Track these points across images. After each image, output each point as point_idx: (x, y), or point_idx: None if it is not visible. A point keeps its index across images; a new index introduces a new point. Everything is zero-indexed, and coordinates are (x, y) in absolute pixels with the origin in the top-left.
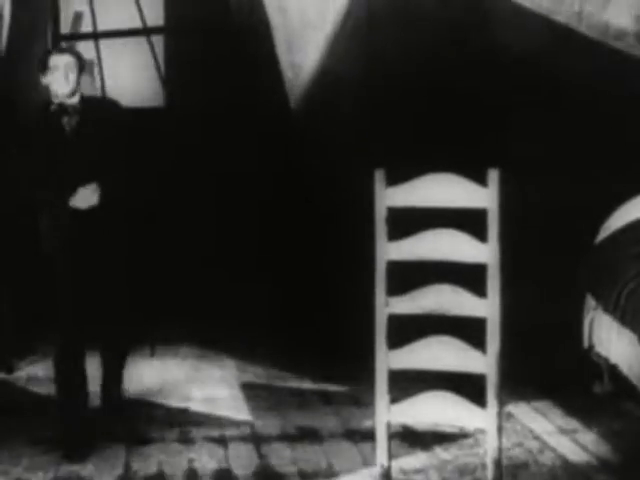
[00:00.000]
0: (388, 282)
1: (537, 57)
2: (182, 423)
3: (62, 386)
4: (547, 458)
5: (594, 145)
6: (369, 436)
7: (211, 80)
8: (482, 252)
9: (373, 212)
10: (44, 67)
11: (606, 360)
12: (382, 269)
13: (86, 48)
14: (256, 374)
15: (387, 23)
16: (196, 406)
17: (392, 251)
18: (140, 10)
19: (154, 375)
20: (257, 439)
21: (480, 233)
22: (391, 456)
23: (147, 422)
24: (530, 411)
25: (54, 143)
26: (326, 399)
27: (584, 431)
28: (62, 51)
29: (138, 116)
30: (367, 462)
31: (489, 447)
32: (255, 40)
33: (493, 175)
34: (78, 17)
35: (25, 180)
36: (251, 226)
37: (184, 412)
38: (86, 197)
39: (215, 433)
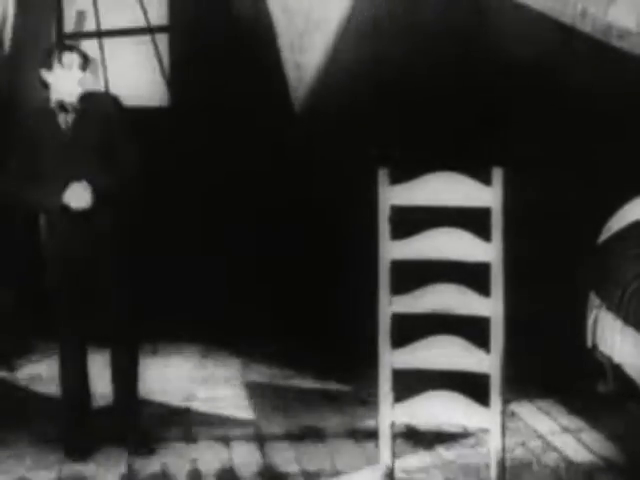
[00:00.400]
0: (392, 281)
1: (540, 57)
2: (185, 422)
3: (65, 385)
4: (550, 458)
5: (597, 145)
6: (372, 435)
7: (215, 79)
8: (486, 251)
9: (377, 211)
10: (51, 63)
11: (610, 359)
12: (386, 268)
13: (89, 47)
14: (260, 373)
15: (391, 24)
16: (199, 405)
17: (396, 250)
18: (144, 9)
19: (157, 374)
20: (260, 438)
21: (484, 232)
22: (394, 455)
23: (150, 421)
24: (534, 410)
25: (49, 141)
26: (330, 398)
27: (588, 431)
28: (72, 49)
29: (142, 115)
30: (370, 461)
31: (492, 447)
32: (259, 40)
33: (497, 174)
34: (82, 16)
35: (19, 180)
36: (254, 225)
37: (187, 411)
38: (78, 195)
39: (218, 432)
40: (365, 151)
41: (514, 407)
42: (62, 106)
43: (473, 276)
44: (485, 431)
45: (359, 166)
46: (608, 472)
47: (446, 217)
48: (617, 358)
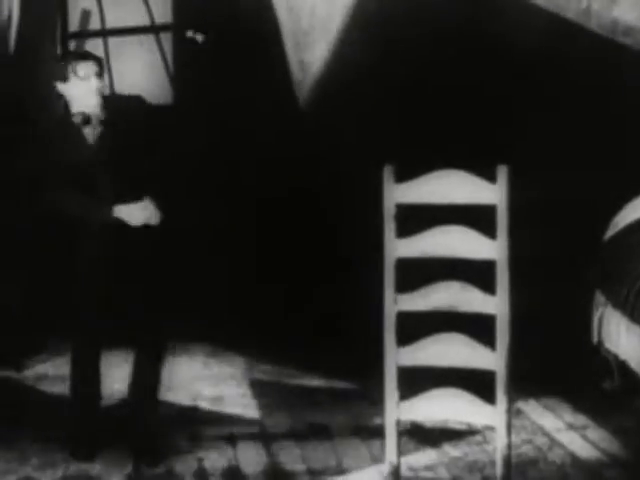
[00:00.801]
0: (397, 279)
1: (545, 53)
2: (191, 421)
3: (77, 384)
4: (557, 455)
5: (602, 141)
6: (378, 433)
7: (219, 78)
8: (491, 249)
9: (382, 209)
10: (67, 75)
11: (615, 356)
12: (391, 266)
13: (94, 46)
14: (265, 372)
15: (396, 21)
16: (205, 404)
17: (401, 248)
18: (148, 7)
19: (163, 372)
20: (266, 437)
21: (489, 230)
22: (400, 453)
23: (156, 420)
24: (539, 408)
25: (78, 156)
26: (335, 396)
27: (594, 428)
28: (87, 57)
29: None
30: (376, 459)
31: (498, 444)
32: (263, 38)
33: (502, 171)
34: (86, 15)
35: (60, 194)
36: (260, 223)
37: (193, 410)
38: (141, 213)
39: (224, 431)
40: (369, 149)
41: (520, 404)
42: (86, 119)
43: (479, 274)
44: (491, 428)
45: (364, 163)
46: (614, 469)
47: (451, 215)
48: (623, 355)
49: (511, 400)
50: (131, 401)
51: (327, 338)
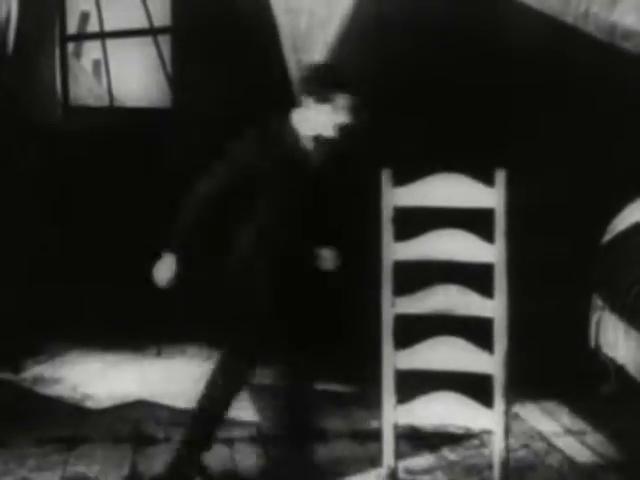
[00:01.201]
0: (395, 282)
1: (544, 57)
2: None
3: (214, 399)
4: (554, 459)
5: (601, 145)
6: (376, 437)
7: (218, 80)
8: (489, 252)
9: (380, 212)
10: (319, 97)
11: (613, 360)
12: (389, 269)
13: (92, 48)
14: (262, 374)
15: (394, 23)
16: None
17: (399, 251)
18: (147, 10)
19: (160, 375)
20: (263, 440)
21: (487, 233)
22: (398, 457)
23: (153, 423)
24: (537, 412)
25: (294, 184)
26: (333, 399)
27: (591, 432)
28: (347, 88)
29: (144, 116)
30: (374, 463)
31: (496, 448)
32: (262, 40)
33: (500, 175)
34: (85, 17)
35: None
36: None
37: (190, 412)
38: (330, 260)
39: (221, 433)
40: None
41: (517, 408)
42: (319, 141)
43: (476, 277)
44: (489, 432)
45: (362, 166)
46: (611, 473)
47: (449, 218)
48: (621, 359)
49: (509, 404)
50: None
51: (324, 340)
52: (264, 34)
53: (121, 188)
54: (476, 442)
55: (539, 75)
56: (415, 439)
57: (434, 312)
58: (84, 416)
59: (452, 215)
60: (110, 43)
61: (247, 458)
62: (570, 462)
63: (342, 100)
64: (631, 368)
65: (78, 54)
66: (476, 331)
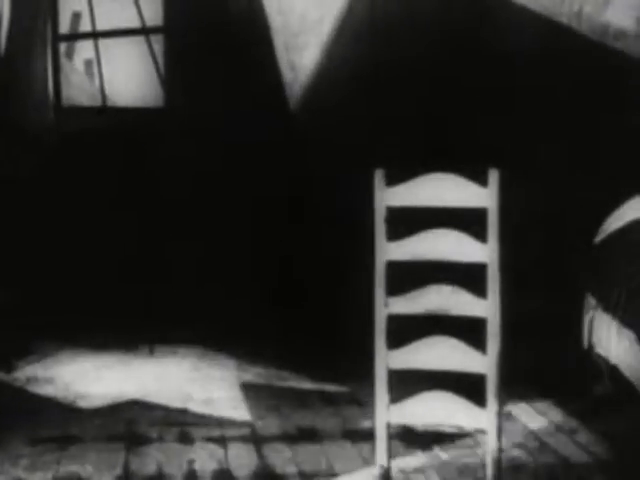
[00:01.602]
0: (388, 282)
1: (537, 57)
2: (181, 423)
3: None
4: (547, 458)
5: (593, 145)
6: (369, 436)
7: (210, 80)
8: (482, 252)
9: (373, 212)
10: None
11: (606, 360)
12: (382, 269)
13: (85, 48)
14: (256, 374)
15: (387, 23)
16: (195, 406)
17: (392, 251)
18: (139, 10)
19: (153, 375)
20: (257, 439)
21: (480, 233)
22: (391, 456)
23: (146, 422)
24: (530, 411)
25: None
26: (326, 399)
27: (584, 431)
28: None
29: (137, 116)
30: (367, 462)
31: (489, 447)
32: (254, 40)
33: (493, 175)
34: (77, 17)
35: None
36: (251, 225)
37: (183, 412)
38: None
39: (215, 433)
40: (360, 151)
41: (510, 408)
42: None
43: (470, 277)
44: (481, 432)
45: (355, 165)
46: (604, 473)
47: (442, 218)
48: (613, 359)
49: (502, 403)
50: None
51: (317, 340)
52: (256, 34)
53: (113, 188)
54: (469, 441)
55: (531, 74)
56: (408, 438)
57: (427, 312)
58: (77, 416)
59: (445, 215)
60: (102, 43)
61: (240, 457)
62: (563, 461)
63: None
64: (624, 368)
65: (70, 54)
66: (469, 331)
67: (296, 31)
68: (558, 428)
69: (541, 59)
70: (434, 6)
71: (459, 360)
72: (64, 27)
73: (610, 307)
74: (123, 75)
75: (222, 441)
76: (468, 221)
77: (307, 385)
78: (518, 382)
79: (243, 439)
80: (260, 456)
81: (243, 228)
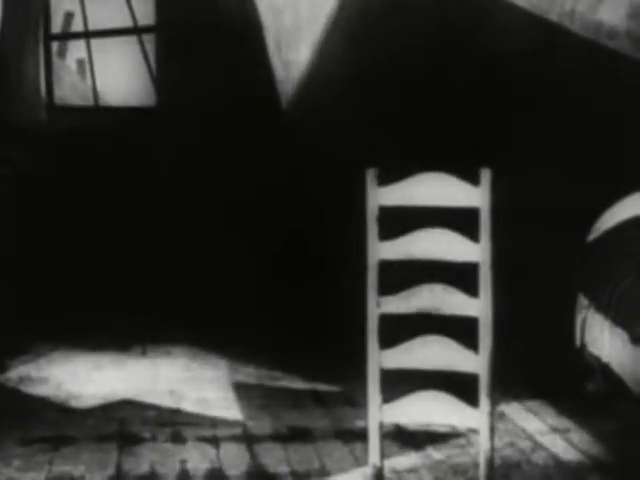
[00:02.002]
0: (380, 282)
1: (529, 56)
2: (174, 423)
3: None
4: (539, 458)
5: (586, 144)
6: (361, 436)
7: (202, 79)
8: (474, 251)
9: (365, 211)
10: None
11: (598, 359)
12: (374, 268)
13: (77, 48)
14: (248, 374)
15: (379, 22)
16: (188, 406)
17: (384, 250)
18: (131, 9)
19: (146, 375)
20: (249, 439)
21: (472, 232)
22: (383, 456)
23: (139, 422)
24: (522, 411)
25: None
26: (318, 399)
27: (576, 430)
28: None
29: (129, 115)
30: (359, 462)
31: (481, 447)
32: (247, 39)
33: (485, 174)
34: (69, 16)
35: None
36: (243, 225)
37: (176, 412)
38: None
39: (207, 433)
40: (352, 150)
41: (503, 407)
42: None
43: (462, 276)
44: (474, 431)
45: (347, 164)
46: (596, 471)
47: (434, 217)
48: (605, 358)
49: (494, 403)
50: None
51: (310, 340)
52: (248, 33)
53: (106, 187)
54: (462, 441)
55: (524, 73)
56: (401, 438)
57: (419, 311)
58: (69, 416)
59: (437, 214)
60: (94, 42)
61: (233, 457)
62: (555, 460)
63: None
64: (616, 367)
65: (63, 53)
66: (461, 330)
67: (288, 29)
68: (550, 427)
69: (534, 58)
70: (426, 3)
71: (451, 359)
72: (56, 27)
73: (602, 306)
74: (115, 74)
75: (214, 441)
76: (460, 221)
77: (299, 385)
78: (511, 381)
79: (235, 439)
80: (252, 456)
81: (235, 227)
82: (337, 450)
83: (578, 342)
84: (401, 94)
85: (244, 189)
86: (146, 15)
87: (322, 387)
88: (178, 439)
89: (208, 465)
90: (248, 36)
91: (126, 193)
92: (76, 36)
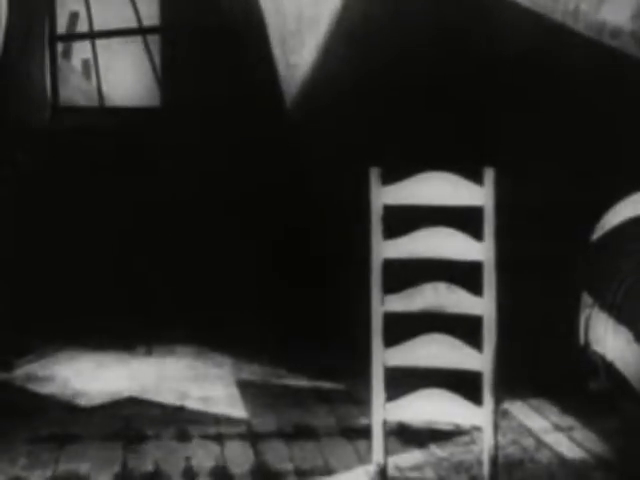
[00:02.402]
0: (384, 280)
1: (533, 55)
2: (178, 421)
3: None
4: (543, 456)
5: (589, 143)
6: (365, 434)
7: (207, 80)
8: (478, 250)
9: (369, 210)
10: None
11: (602, 358)
12: (378, 267)
13: (82, 48)
14: (252, 372)
15: (382, 22)
16: (192, 404)
17: (388, 249)
18: (136, 10)
19: (151, 373)
20: (253, 437)
21: (476, 232)
22: (387, 453)
23: (144, 420)
24: (526, 409)
25: None
26: (322, 397)
27: (580, 428)
28: None
29: (134, 115)
30: (363, 460)
31: (485, 445)
32: (250, 40)
33: (489, 173)
34: (74, 17)
35: None
36: (247, 225)
37: (180, 410)
38: None
39: (211, 431)
40: (357, 150)
41: (507, 405)
42: None
43: (466, 275)
44: (478, 429)
45: (351, 164)
46: (600, 469)
47: (438, 216)
48: (609, 356)
49: (498, 401)
50: None
51: (314, 338)
52: (252, 34)
53: (110, 187)
54: (465, 439)
55: (527, 73)
56: (404, 436)
57: (423, 310)
58: (75, 414)
59: (441, 213)
60: (99, 43)
61: (237, 455)
62: (559, 458)
63: None
64: (620, 365)
65: (68, 54)
66: (465, 329)
67: (292, 30)
68: (554, 425)
69: (537, 57)
70: (429, 4)
71: (455, 358)
72: (61, 27)
73: (606, 305)
74: (120, 75)
75: (219, 439)
76: (464, 220)
77: (303, 383)
78: (514, 380)
79: (240, 437)
80: (257, 453)
81: (238, 227)
82: (341, 448)
83: (582, 340)
84: (403, 94)
85: (247, 189)
86: (151, 16)
87: (326, 385)
88: (183, 437)
89: (212, 463)
90: (252, 37)
91: (130, 193)
92: (81, 37)
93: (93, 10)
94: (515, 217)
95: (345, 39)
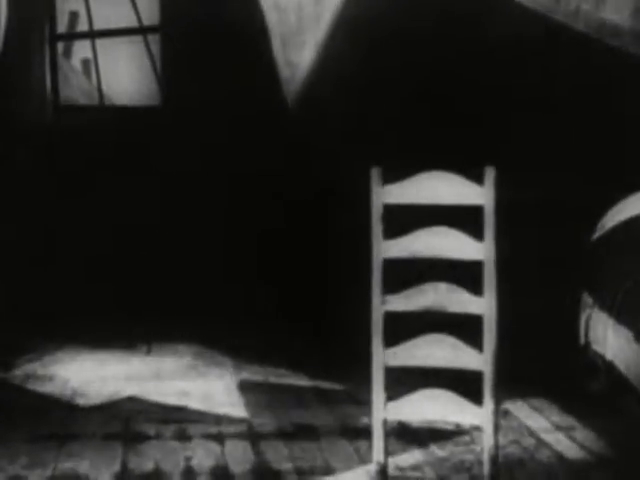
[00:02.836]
0: (384, 280)
1: (534, 55)
2: (179, 420)
3: None
4: (543, 455)
5: (590, 142)
6: (365, 433)
7: (207, 78)
8: (478, 250)
9: (369, 210)
10: None
11: (602, 357)
12: (378, 267)
13: (82, 47)
14: (253, 372)
15: (383, 21)
16: (193, 403)
17: (388, 249)
18: (136, 9)
19: (151, 373)
20: (254, 436)
21: (476, 231)
22: (387, 453)
23: (144, 419)
24: (526, 408)
25: None
26: (322, 396)
27: (580, 428)
28: None
29: (134, 114)
30: (363, 459)
31: (485, 444)
32: (251, 39)
33: (489, 173)
34: (74, 16)
35: None
36: (248, 224)
37: (181, 409)
38: None
39: (212, 430)
40: (358, 149)
41: (507, 405)
42: None
43: (466, 275)
44: (478, 429)
45: (351, 162)
46: (600, 469)
47: (438, 216)
48: (609, 356)
49: (498, 401)
50: None
51: (314, 338)
52: (253, 32)
53: (110, 185)
54: (466, 439)
55: (528, 72)
56: (405, 436)
57: (424, 309)
58: (75, 413)
59: (442, 213)
60: (100, 42)
61: (237, 454)
62: (559, 458)
63: None
64: (620, 365)
65: (68, 53)
66: (465, 328)
67: (293, 29)
68: (554, 425)
69: (538, 56)
70: (430, 2)
71: (456, 357)
72: (62, 27)
73: (607, 305)
74: (120, 74)
75: (219, 438)
76: (464, 219)
77: (304, 382)
78: (515, 379)
79: (240, 436)
80: (257, 453)
81: (239, 227)
82: (341, 447)
83: (582, 340)
84: (405, 93)
85: (247, 189)
86: (151, 15)
87: (326, 385)
88: (183, 436)
89: (213, 462)
90: (252, 36)
91: (131, 191)
92: (81, 36)
93: (93, 9)
94: (515, 216)
95: (346, 37)
